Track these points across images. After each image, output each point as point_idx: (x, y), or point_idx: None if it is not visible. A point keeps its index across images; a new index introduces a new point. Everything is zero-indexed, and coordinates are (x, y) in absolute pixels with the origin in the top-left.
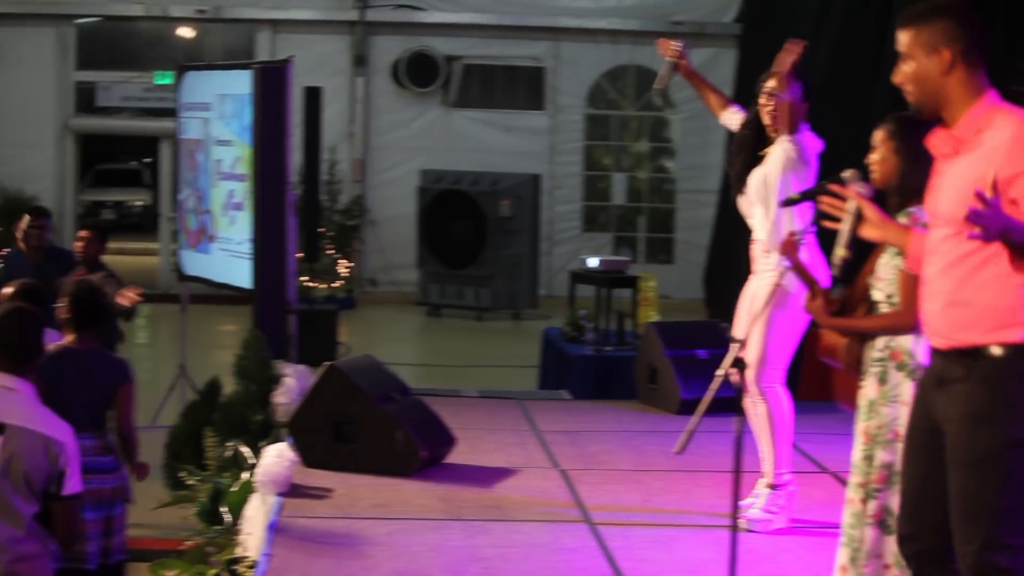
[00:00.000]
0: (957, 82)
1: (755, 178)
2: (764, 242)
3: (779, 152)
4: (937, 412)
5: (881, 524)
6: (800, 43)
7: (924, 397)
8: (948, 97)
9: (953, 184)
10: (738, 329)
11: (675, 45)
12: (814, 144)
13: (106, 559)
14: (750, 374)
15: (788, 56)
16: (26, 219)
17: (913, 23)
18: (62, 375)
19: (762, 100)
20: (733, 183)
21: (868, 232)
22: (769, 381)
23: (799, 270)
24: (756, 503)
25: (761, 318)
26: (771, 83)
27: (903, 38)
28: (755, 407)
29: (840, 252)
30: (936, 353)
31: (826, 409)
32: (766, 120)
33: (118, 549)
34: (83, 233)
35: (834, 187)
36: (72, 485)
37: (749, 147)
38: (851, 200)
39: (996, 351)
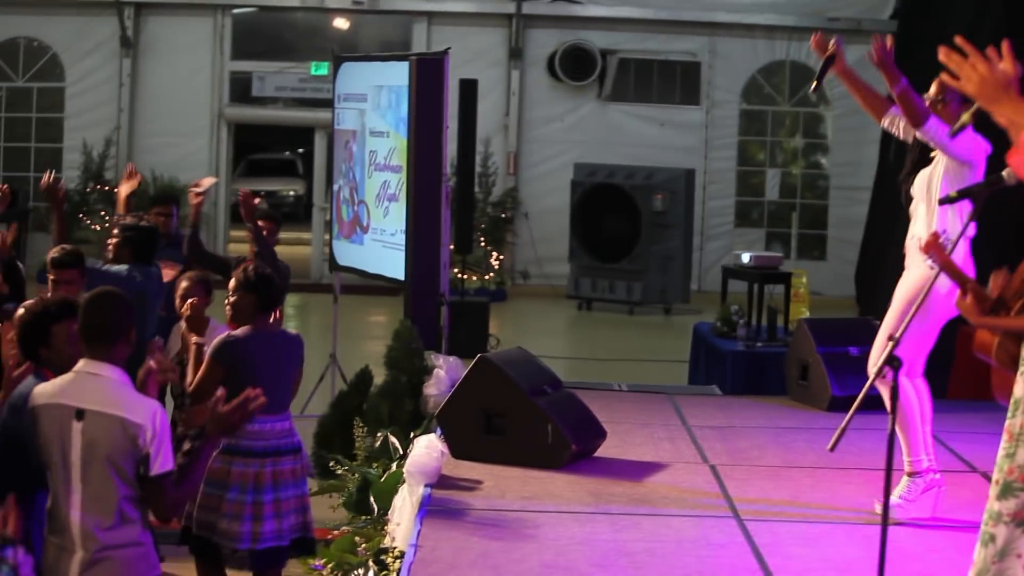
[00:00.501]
0: None
1: (921, 177)
2: (921, 238)
3: (942, 154)
4: None
5: (1022, 523)
6: (882, 37)
7: None
8: None
9: None
10: (887, 324)
11: (831, 44)
12: (980, 146)
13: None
14: (877, 362)
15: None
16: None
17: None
18: (255, 358)
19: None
20: (902, 179)
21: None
22: (909, 375)
23: (948, 268)
24: (895, 490)
25: (899, 311)
26: (932, 90)
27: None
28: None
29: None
30: None
31: (977, 408)
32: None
33: (294, 528)
34: (263, 223)
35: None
36: (161, 464)
37: (919, 146)
38: None
39: None
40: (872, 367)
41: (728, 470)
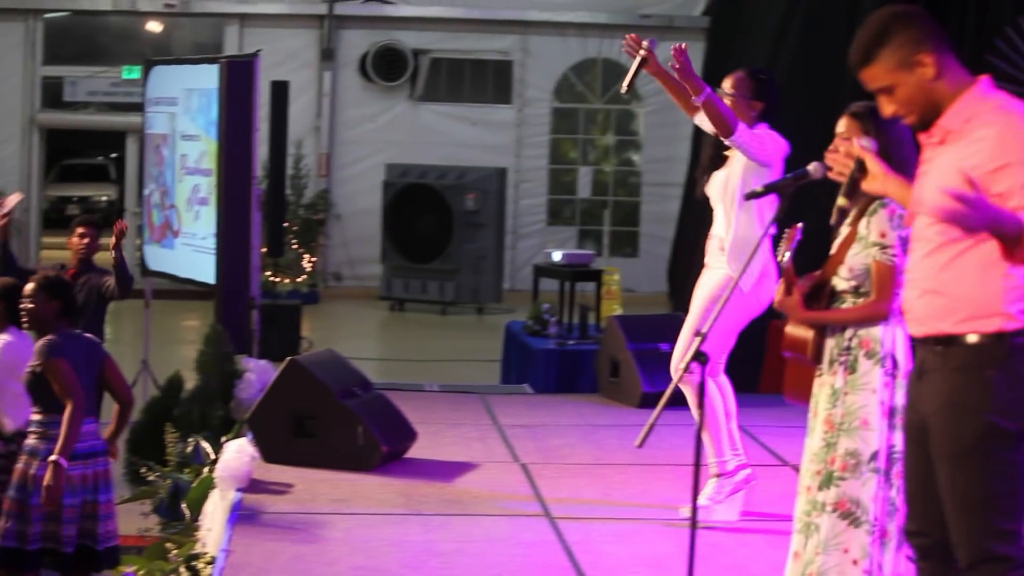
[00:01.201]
0: (944, 80)
1: (716, 178)
2: (721, 239)
3: (740, 155)
4: (920, 405)
5: (847, 515)
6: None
7: (911, 391)
8: (942, 98)
9: (939, 173)
10: (691, 323)
11: (644, 44)
12: (779, 146)
13: (95, 544)
14: (679, 363)
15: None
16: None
17: (872, 55)
18: (75, 361)
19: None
20: (699, 177)
21: (870, 185)
22: (711, 373)
23: (786, 266)
24: (702, 492)
25: (700, 312)
26: (725, 84)
27: (873, 74)
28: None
29: (840, 202)
30: (915, 343)
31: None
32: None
33: (109, 535)
34: (83, 230)
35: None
36: None
37: (713, 145)
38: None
39: (971, 339)
40: (675, 367)
41: (539, 469)
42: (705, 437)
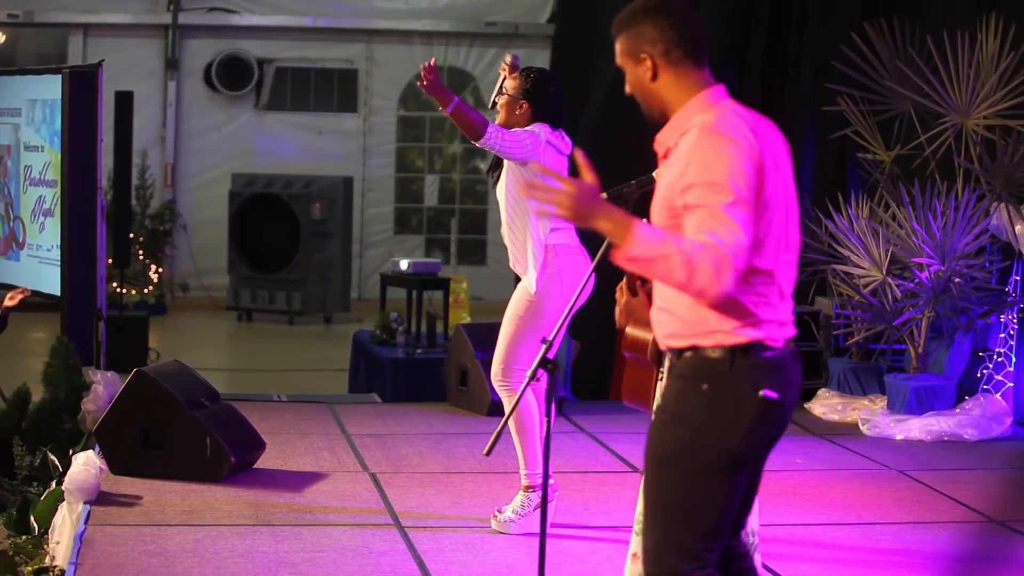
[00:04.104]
0: (666, 86)
1: (501, 180)
2: (508, 240)
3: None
4: None
5: None
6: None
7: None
8: (664, 103)
9: (659, 190)
10: (506, 335)
11: (507, 60)
12: (535, 135)
13: None
14: (495, 370)
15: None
16: None
17: (620, 31)
18: None
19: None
20: (487, 174)
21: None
22: (516, 382)
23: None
24: (511, 504)
25: (508, 317)
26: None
27: (617, 47)
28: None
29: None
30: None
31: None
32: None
33: None
34: None
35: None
36: None
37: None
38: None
39: (689, 354)
40: (494, 376)
41: (388, 478)
42: (518, 447)
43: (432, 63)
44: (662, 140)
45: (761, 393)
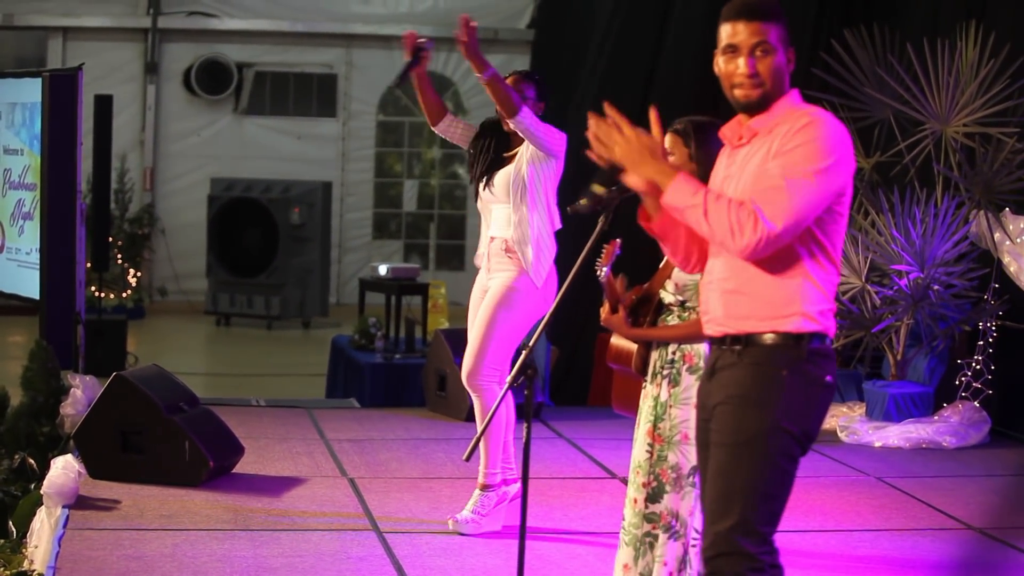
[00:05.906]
0: (785, 79)
1: (501, 177)
2: (507, 239)
3: (526, 149)
4: (709, 400)
5: (667, 528)
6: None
7: (701, 391)
8: (779, 92)
9: (742, 171)
10: (479, 329)
11: (420, 42)
12: (562, 138)
13: None
14: (468, 368)
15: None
16: None
17: (775, 17)
18: None
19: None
20: (474, 182)
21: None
22: (488, 380)
23: (608, 281)
24: (468, 504)
25: (489, 316)
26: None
27: (762, 29)
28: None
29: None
30: (712, 343)
31: (616, 415)
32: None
33: None
34: None
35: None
36: None
37: (491, 148)
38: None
39: (768, 338)
40: (465, 378)
41: (367, 483)
42: (482, 446)
43: (472, 23)
44: (754, 126)
45: (827, 379)
